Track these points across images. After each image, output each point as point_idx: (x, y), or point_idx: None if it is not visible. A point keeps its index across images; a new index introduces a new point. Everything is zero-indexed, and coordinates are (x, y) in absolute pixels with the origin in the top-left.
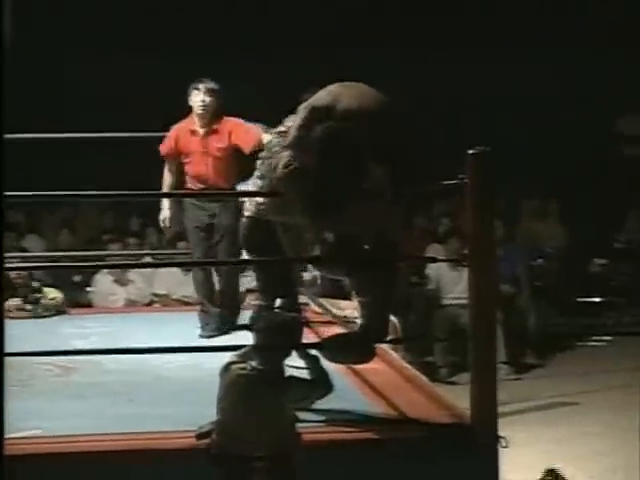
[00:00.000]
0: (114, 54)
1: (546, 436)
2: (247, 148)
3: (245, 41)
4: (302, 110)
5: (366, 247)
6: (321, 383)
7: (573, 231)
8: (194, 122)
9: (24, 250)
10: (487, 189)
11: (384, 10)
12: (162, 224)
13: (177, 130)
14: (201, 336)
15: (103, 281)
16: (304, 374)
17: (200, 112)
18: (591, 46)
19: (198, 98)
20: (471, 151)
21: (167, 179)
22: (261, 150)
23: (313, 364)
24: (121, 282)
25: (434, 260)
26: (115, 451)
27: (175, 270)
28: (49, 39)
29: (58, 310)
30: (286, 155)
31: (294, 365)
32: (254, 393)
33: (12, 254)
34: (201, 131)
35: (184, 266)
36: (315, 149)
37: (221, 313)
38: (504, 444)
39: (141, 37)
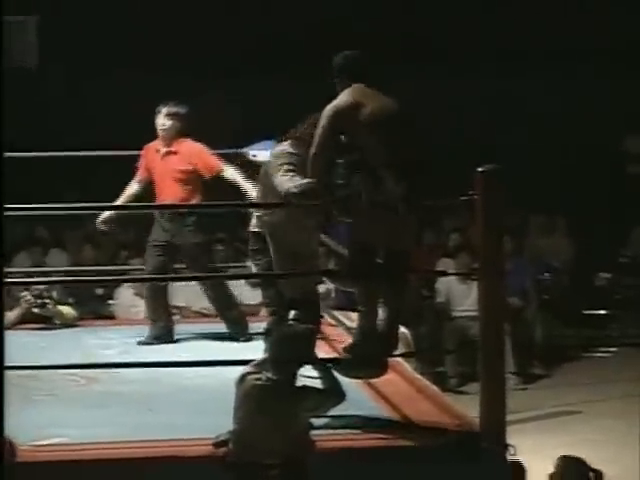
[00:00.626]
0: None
1: (551, 443)
2: (207, 173)
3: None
4: (327, 115)
5: (379, 261)
6: (334, 392)
7: (579, 246)
8: (160, 142)
9: (46, 264)
10: (496, 205)
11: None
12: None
13: (146, 148)
14: (139, 342)
15: (125, 294)
16: (317, 383)
17: (160, 134)
18: (598, 62)
19: (159, 121)
20: (480, 169)
21: (128, 188)
22: (221, 177)
23: (325, 374)
24: (142, 295)
25: (444, 274)
26: (135, 458)
27: (194, 283)
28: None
29: (67, 325)
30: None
31: (307, 375)
32: (269, 403)
33: (36, 269)
34: (162, 151)
35: (202, 280)
36: (336, 157)
37: (227, 326)
38: (512, 452)
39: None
